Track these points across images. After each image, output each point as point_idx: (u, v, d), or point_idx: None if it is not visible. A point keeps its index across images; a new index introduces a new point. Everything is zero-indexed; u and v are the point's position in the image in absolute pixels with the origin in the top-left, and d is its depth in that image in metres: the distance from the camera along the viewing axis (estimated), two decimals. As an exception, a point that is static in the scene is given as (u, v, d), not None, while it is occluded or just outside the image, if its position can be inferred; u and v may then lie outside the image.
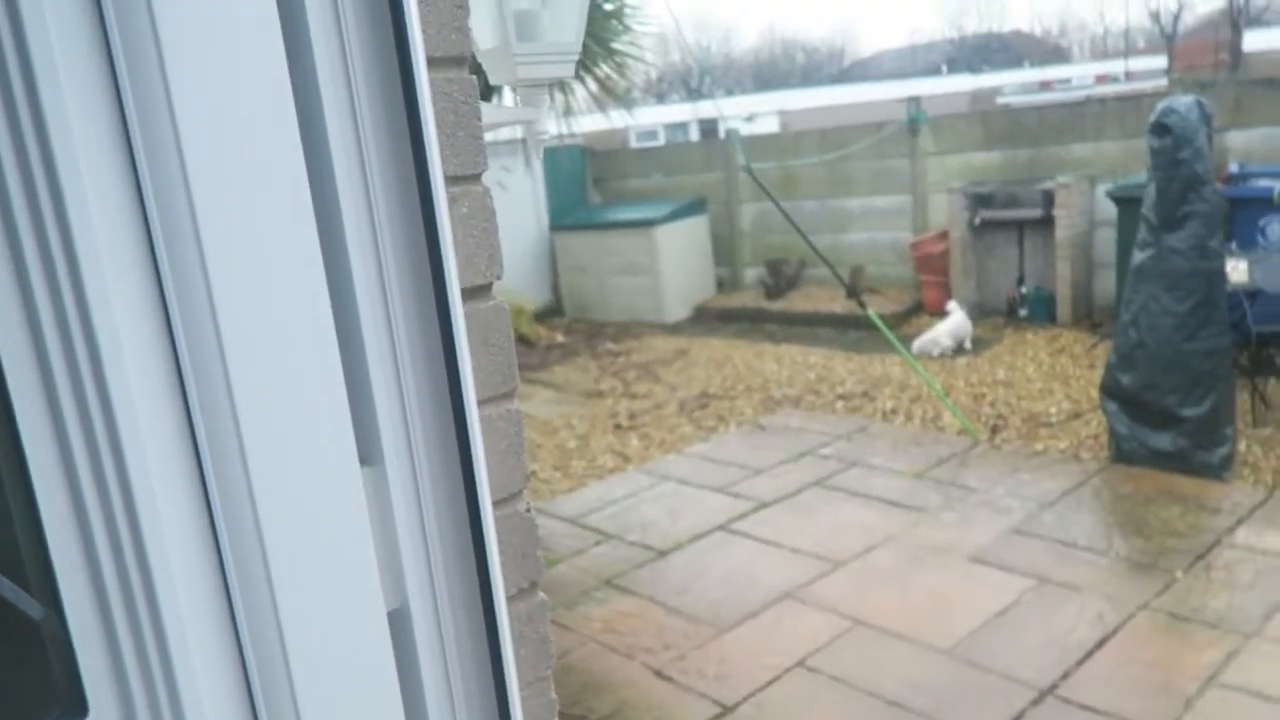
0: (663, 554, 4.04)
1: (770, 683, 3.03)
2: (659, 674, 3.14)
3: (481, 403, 0.91)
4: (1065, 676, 2.90)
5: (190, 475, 0.68)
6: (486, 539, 0.87)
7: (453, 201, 0.88)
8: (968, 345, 6.87)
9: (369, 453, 0.78)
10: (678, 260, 9.07)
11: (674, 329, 8.86)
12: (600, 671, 3.18)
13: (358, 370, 0.76)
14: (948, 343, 6.83)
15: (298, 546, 0.72)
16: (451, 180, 0.88)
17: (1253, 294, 5.04)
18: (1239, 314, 4.86)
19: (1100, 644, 3.05)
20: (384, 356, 0.78)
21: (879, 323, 5.62)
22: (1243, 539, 3.65)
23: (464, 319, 0.85)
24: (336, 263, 0.75)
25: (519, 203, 9.43)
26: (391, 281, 0.79)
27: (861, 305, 5.81)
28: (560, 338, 8.90)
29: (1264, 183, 5.96)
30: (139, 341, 0.65)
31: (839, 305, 8.28)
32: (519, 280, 9.34)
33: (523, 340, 8.53)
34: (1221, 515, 3.86)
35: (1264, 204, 5.91)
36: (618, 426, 6.04)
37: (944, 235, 7.84)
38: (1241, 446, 4.50)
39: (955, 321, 6.92)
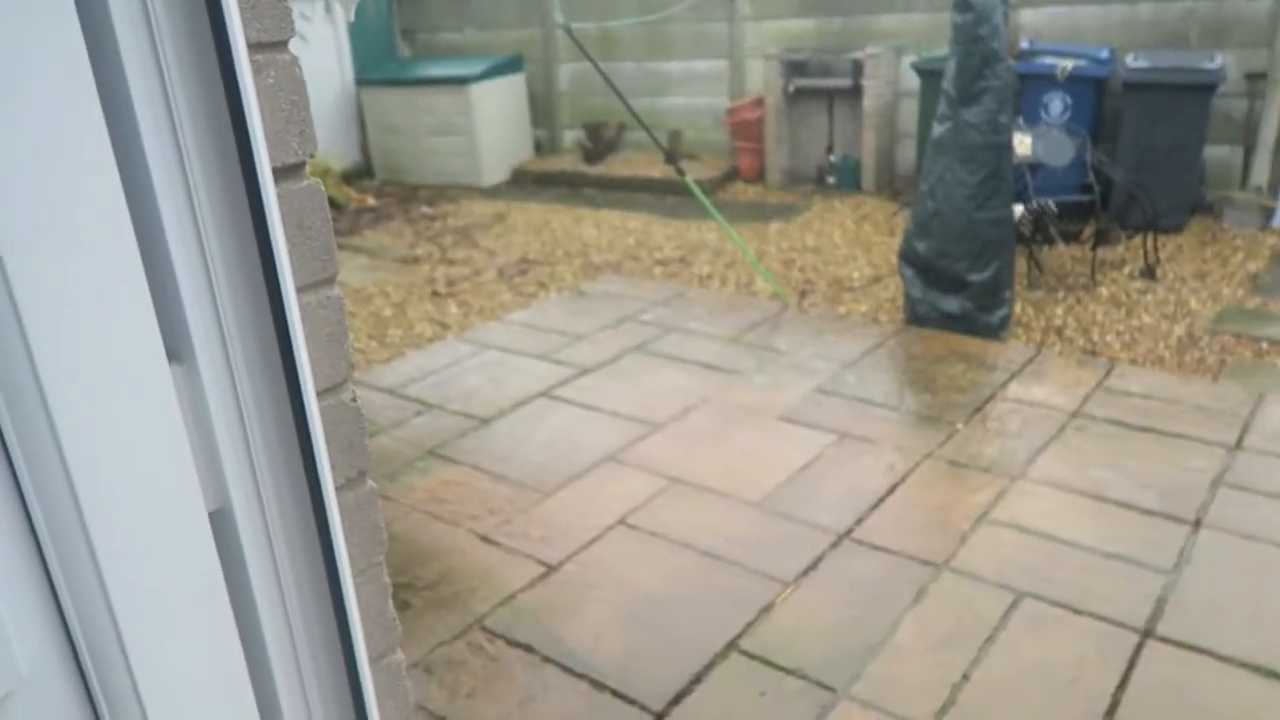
0: (486, 422, 4.06)
1: (592, 541, 3.16)
2: (485, 539, 3.20)
3: (300, 290, 0.87)
4: (860, 521, 3.18)
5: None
6: (312, 431, 0.84)
7: (257, 71, 0.81)
8: None
9: (178, 349, 0.73)
10: (494, 121, 8.77)
11: (491, 192, 8.64)
12: (425, 540, 3.22)
13: (160, 263, 0.70)
14: None
15: (101, 453, 0.67)
16: (255, 48, 0.80)
17: (1034, 167, 5.43)
18: (1022, 185, 5.24)
19: (891, 491, 3.36)
20: (189, 246, 0.72)
21: (696, 189, 5.69)
22: (1014, 392, 4.06)
23: (276, 201, 0.79)
24: (127, 143, 0.68)
25: (320, 55, 8.76)
26: (193, 161, 0.72)
27: (680, 172, 5.85)
28: (371, 201, 8.50)
29: (1049, 60, 6.35)
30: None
31: (658, 170, 8.29)
32: (323, 139, 8.77)
33: (331, 203, 8.08)
34: (997, 371, 4.26)
35: (1048, 81, 6.31)
36: (435, 294, 5.91)
37: (759, 102, 7.94)
38: (1017, 309, 4.94)
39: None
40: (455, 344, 5.01)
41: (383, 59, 9.50)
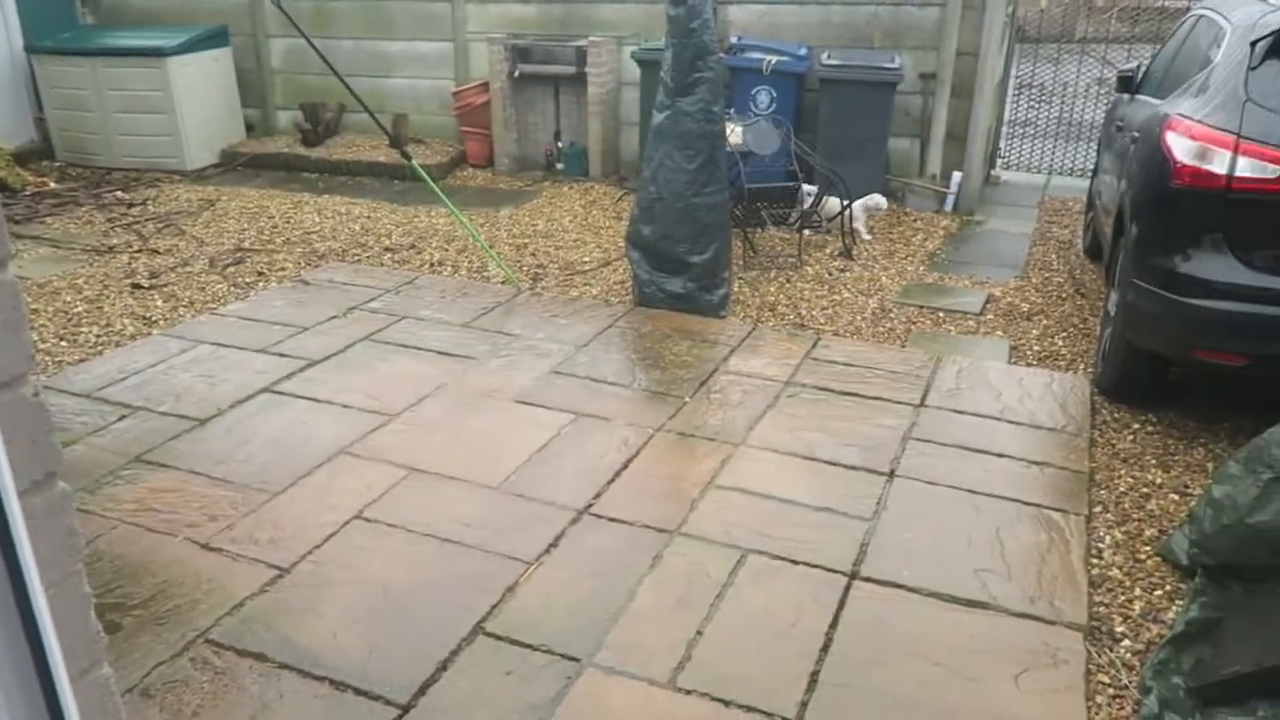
0: (201, 423, 3.77)
1: (328, 538, 3.03)
2: (206, 547, 2.98)
3: (-39, 273, 0.77)
4: (598, 496, 3.28)
5: None
6: (-16, 430, 0.76)
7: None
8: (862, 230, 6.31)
9: None
10: (198, 98, 8.09)
11: (198, 177, 7.99)
12: (136, 554, 2.94)
13: None
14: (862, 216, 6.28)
15: None
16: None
17: (745, 154, 5.80)
18: (735, 172, 5.59)
19: (626, 465, 3.49)
20: None
21: (423, 174, 5.57)
22: (734, 365, 4.34)
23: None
24: None
25: (-21, 16, 7.69)
26: None
27: (406, 156, 5.70)
28: (52, 184, 7.59)
29: (756, 55, 6.80)
30: None
31: (383, 154, 8.04)
32: (-11, 113, 7.73)
33: (1, 186, 7.15)
34: (719, 347, 4.53)
35: (755, 74, 6.76)
36: (136, 287, 5.39)
37: (485, 86, 7.89)
38: (736, 287, 5.27)
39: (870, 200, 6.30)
40: (163, 340, 4.60)
41: (59, 25, 8.48)
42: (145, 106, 7.92)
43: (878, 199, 6.29)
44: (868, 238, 6.28)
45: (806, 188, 6.08)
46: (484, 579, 2.85)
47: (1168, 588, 2.88)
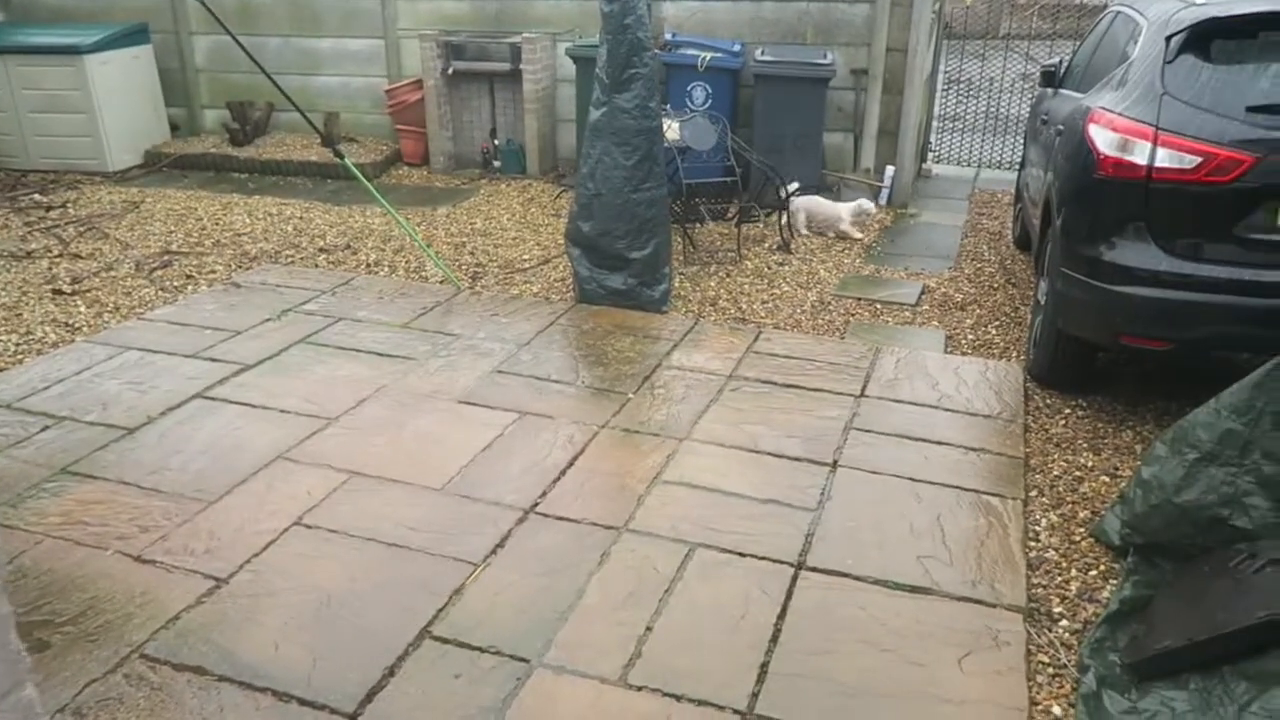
0: (131, 431, 3.65)
1: (267, 546, 2.96)
2: (139, 559, 2.89)
3: None
4: (544, 495, 3.26)
5: None
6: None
7: None
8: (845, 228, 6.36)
9: None
10: (118, 97, 7.84)
11: (121, 178, 7.74)
12: (64, 569, 2.84)
13: None
14: (848, 220, 6.34)
15: None
16: None
17: (683, 150, 5.82)
18: (673, 168, 5.60)
19: (571, 462, 3.47)
20: None
21: (357, 173, 5.47)
22: (677, 360, 4.34)
23: None
24: None
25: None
26: None
27: (339, 155, 5.59)
28: (-36, 188, 7.29)
29: (691, 52, 6.82)
30: None
31: (315, 154, 7.89)
32: (-106, 114, 7.38)
33: (-91, 191, 6.84)
34: (661, 342, 4.53)
35: (690, 70, 6.78)
36: (58, 292, 5.20)
37: (419, 84, 7.79)
38: (676, 283, 5.28)
39: (860, 205, 6.41)
40: (88, 347, 4.45)
41: (-32, 22, 8.15)
42: (63, 106, 7.65)
43: (867, 204, 6.42)
44: (859, 236, 6.34)
45: (793, 185, 6.18)
46: (430, 582, 2.81)
47: (1102, 568, 2.96)
